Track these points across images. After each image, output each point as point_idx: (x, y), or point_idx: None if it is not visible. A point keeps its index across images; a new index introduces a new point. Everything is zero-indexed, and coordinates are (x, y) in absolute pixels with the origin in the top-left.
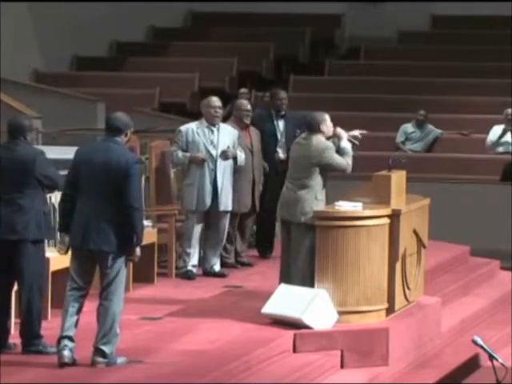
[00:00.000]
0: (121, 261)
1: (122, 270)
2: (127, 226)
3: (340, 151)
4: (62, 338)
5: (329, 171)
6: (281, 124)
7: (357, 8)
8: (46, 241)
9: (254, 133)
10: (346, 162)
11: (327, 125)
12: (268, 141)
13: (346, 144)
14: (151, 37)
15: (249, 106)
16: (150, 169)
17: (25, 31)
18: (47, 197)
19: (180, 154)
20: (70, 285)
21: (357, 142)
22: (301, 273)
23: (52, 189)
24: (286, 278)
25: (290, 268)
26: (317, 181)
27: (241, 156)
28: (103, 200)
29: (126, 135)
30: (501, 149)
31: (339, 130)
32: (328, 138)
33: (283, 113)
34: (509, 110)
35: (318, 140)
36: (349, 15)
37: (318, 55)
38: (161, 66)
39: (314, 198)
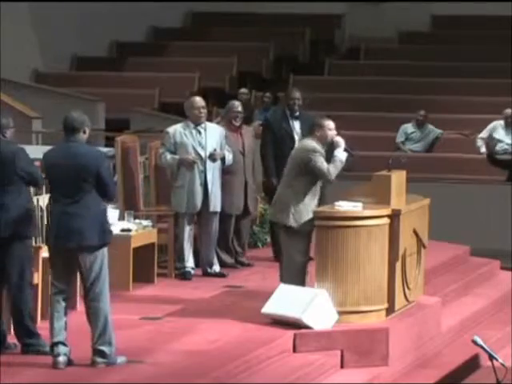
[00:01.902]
0: (101, 257)
1: (103, 268)
2: (103, 213)
3: (332, 158)
4: (54, 344)
5: (311, 174)
6: (296, 125)
7: (357, 8)
8: (33, 238)
9: (248, 133)
10: (327, 168)
11: (324, 131)
12: (284, 142)
13: (339, 153)
14: (151, 37)
15: (239, 108)
16: (150, 169)
17: (25, 31)
18: (31, 194)
19: (168, 156)
20: (52, 289)
21: (353, 153)
22: (289, 278)
23: (34, 185)
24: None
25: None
26: (301, 182)
27: (228, 156)
28: (76, 199)
29: (85, 132)
30: (498, 148)
31: (337, 139)
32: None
33: (297, 113)
34: (508, 111)
35: (308, 142)
36: (349, 15)
37: (318, 55)
38: (161, 66)
39: (298, 202)
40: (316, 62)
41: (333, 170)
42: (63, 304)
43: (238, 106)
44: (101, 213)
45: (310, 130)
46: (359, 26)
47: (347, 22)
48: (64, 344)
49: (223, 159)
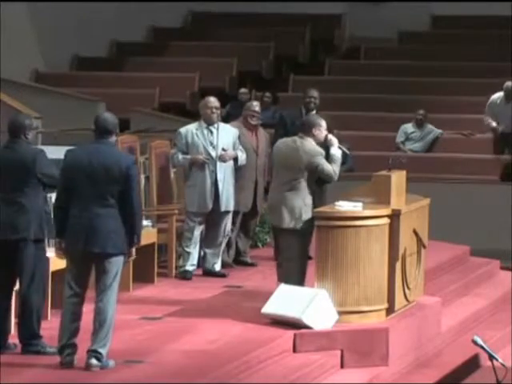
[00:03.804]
0: (120, 262)
1: (119, 272)
2: (128, 226)
3: (329, 158)
4: (65, 346)
5: (315, 176)
6: None
7: (357, 8)
8: (46, 240)
9: (264, 136)
10: (333, 169)
11: (321, 130)
12: None
13: (335, 151)
14: (151, 37)
15: (257, 108)
16: (150, 169)
17: (25, 31)
18: (47, 196)
19: (180, 156)
20: (68, 292)
21: (347, 152)
22: (292, 278)
23: (53, 188)
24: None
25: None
26: (304, 185)
27: (241, 156)
28: (102, 203)
29: (117, 135)
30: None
31: (331, 137)
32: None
33: (313, 112)
34: (509, 84)
35: (309, 144)
36: (349, 15)
37: (317, 55)
38: (161, 66)
39: (302, 203)
40: (316, 62)
41: (336, 169)
42: (79, 307)
43: (255, 105)
44: (129, 218)
45: (304, 128)
46: (359, 26)
47: (347, 22)
48: (74, 346)
49: (236, 159)
